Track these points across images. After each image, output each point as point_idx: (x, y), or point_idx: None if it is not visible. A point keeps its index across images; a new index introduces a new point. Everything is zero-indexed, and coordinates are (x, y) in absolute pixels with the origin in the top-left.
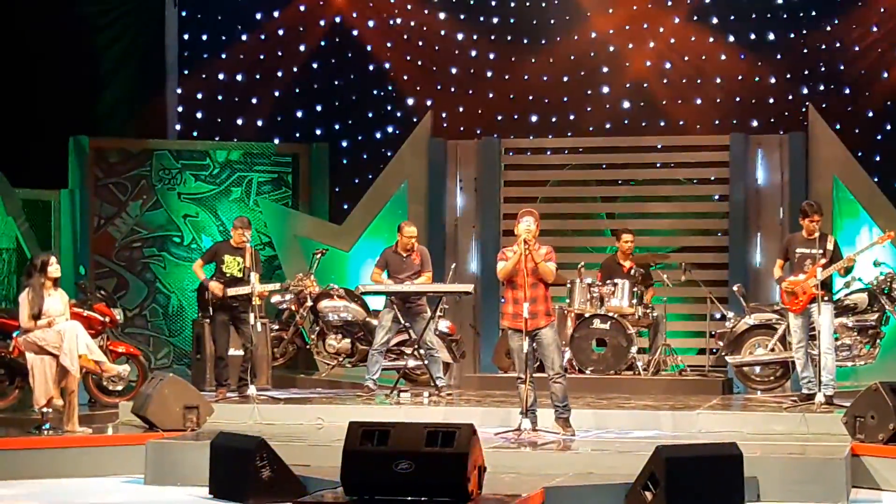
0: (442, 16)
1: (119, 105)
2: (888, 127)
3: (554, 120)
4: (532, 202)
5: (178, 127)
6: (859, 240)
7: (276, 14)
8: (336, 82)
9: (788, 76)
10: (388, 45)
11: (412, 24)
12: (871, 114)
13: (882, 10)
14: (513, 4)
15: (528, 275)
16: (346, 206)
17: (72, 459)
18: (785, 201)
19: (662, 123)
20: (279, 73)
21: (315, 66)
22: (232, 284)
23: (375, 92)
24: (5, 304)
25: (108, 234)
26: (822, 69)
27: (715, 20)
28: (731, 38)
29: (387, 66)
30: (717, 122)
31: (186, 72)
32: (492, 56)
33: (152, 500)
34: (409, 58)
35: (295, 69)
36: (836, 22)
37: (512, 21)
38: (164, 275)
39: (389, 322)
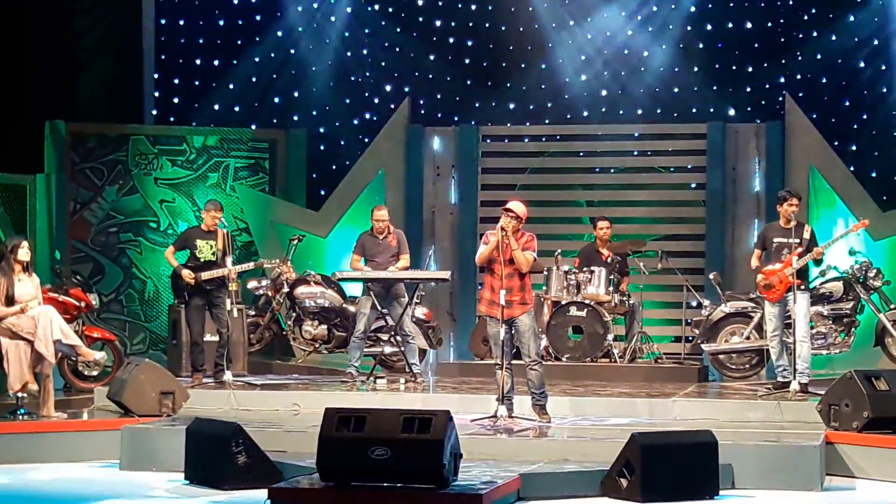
0: (420, 2)
1: (96, 90)
2: (864, 116)
3: (532, 107)
4: (510, 190)
5: (154, 112)
6: (836, 229)
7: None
8: (313, 68)
9: (766, 65)
10: (366, 31)
11: (390, 9)
12: (847, 103)
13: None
14: None
15: (504, 264)
16: (323, 193)
17: (47, 444)
18: (761, 190)
19: (640, 111)
20: (256, 59)
21: (292, 51)
22: (206, 269)
23: (353, 78)
24: None
25: (83, 218)
26: (800, 58)
27: (693, 8)
28: (709, 27)
29: (364, 52)
30: (694, 110)
31: (163, 57)
32: (469, 43)
33: (128, 485)
34: (386, 44)
35: (272, 55)
36: (814, 11)
37: (490, 8)
38: (140, 260)
39: (368, 309)
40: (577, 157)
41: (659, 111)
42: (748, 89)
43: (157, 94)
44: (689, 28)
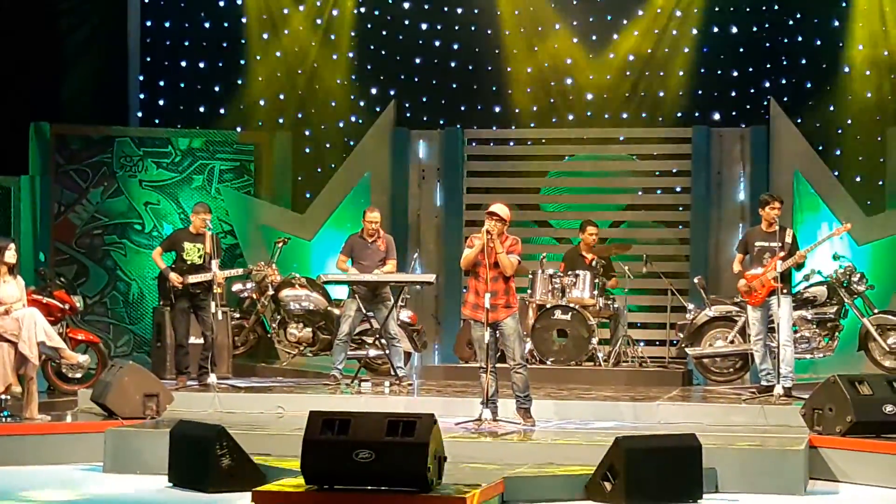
0: (406, 5)
1: (81, 91)
2: (849, 121)
3: (517, 111)
4: (495, 193)
5: (139, 114)
6: (820, 233)
7: (238, 1)
8: (299, 71)
9: (751, 70)
10: (352, 34)
11: (376, 12)
12: (832, 108)
13: (843, 4)
14: None
15: (489, 267)
16: (308, 195)
17: (30, 447)
18: (746, 194)
19: (625, 115)
20: (241, 61)
21: (278, 54)
22: (192, 272)
23: (338, 81)
24: None
25: (68, 220)
26: (785, 63)
27: (678, 13)
28: (694, 31)
29: (350, 55)
30: (679, 114)
31: (149, 59)
32: (455, 46)
33: (111, 487)
34: (372, 47)
35: (258, 57)
36: (799, 16)
37: (475, 11)
38: (125, 262)
39: (353, 312)
40: (562, 162)
41: (644, 115)
42: (733, 94)
43: (142, 95)
44: (674, 32)
